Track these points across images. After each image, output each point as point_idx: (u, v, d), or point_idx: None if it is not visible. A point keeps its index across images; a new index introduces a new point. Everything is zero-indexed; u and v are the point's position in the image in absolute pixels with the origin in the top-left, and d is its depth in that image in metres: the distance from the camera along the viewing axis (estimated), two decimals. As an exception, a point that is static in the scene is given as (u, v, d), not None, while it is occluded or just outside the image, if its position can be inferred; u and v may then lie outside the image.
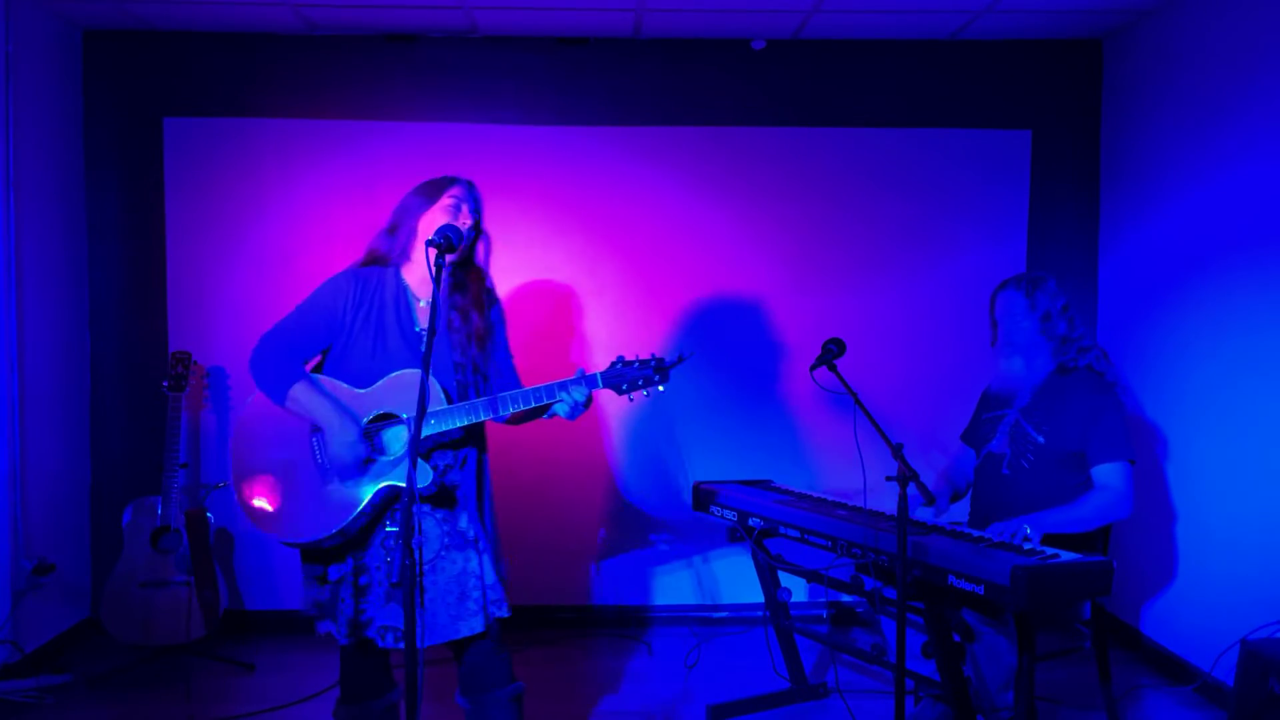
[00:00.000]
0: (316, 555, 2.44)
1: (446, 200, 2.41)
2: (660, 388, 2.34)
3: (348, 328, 2.41)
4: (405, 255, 2.46)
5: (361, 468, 2.34)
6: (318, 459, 2.38)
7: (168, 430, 3.66)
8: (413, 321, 2.45)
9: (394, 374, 2.37)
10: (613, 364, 2.38)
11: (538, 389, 2.36)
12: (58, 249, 3.88)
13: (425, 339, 2.11)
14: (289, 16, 3.84)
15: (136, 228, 4.08)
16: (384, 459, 2.37)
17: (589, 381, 2.36)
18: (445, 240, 2.24)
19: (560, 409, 2.39)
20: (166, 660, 3.70)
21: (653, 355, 2.37)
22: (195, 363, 3.94)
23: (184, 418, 3.82)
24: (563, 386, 2.35)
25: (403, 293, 2.46)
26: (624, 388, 2.34)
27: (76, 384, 4.02)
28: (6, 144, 3.51)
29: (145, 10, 3.79)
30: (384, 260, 2.47)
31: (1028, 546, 2.50)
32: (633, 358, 2.37)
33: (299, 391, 2.35)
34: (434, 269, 2.19)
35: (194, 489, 4.07)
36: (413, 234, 2.43)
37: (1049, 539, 2.66)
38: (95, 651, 3.83)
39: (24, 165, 3.61)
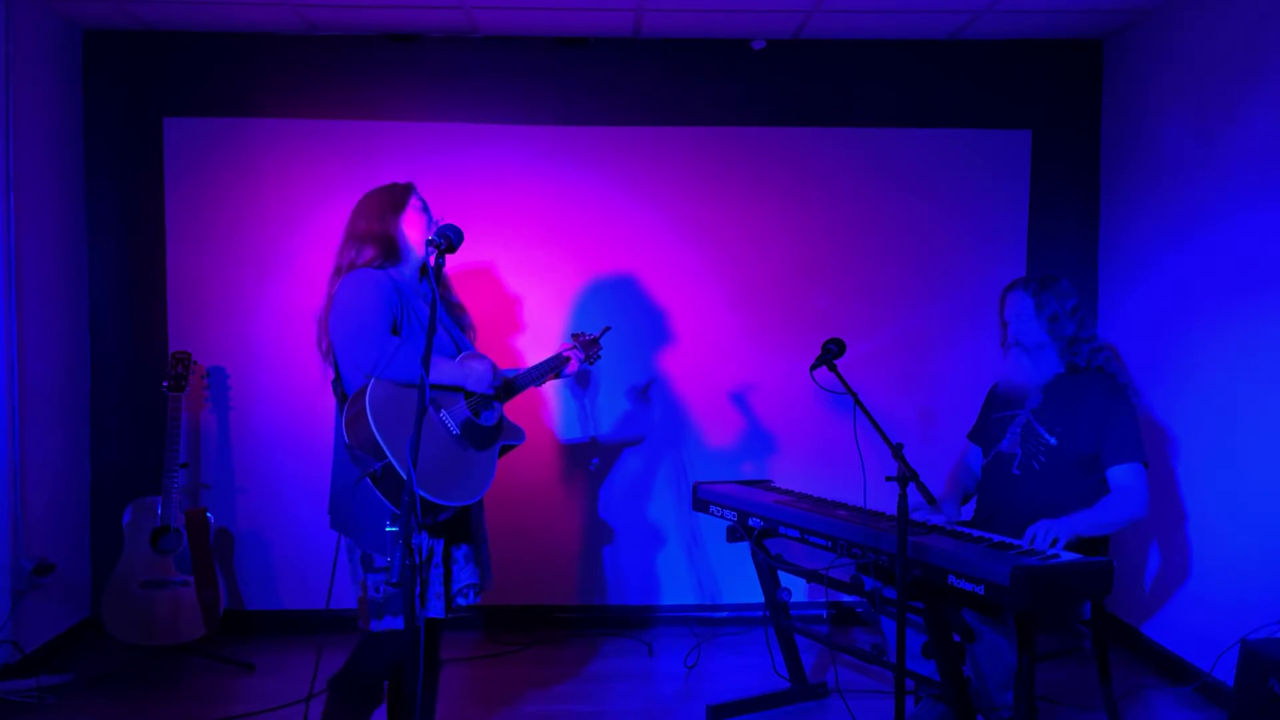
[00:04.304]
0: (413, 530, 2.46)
1: (415, 203, 2.59)
2: (600, 356, 3.03)
3: (400, 323, 2.49)
4: (398, 257, 2.56)
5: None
6: (452, 430, 2.47)
7: (168, 430, 3.66)
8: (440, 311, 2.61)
9: (464, 354, 2.56)
10: (575, 338, 2.98)
11: (550, 359, 2.87)
12: (58, 249, 3.88)
13: (432, 334, 2.18)
14: (289, 16, 3.84)
15: (136, 228, 4.08)
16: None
17: (573, 348, 2.93)
18: (445, 240, 2.33)
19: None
20: (166, 660, 3.70)
21: (589, 333, 3.03)
22: (195, 363, 3.94)
23: (184, 418, 3.82)
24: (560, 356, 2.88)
25: (413, 288, 2.58)
26: (592, 357, 2.97)
27: (76, 384, 4.01)
28: (6, 144, 3.51)
29: (145, 10, 3.79)
30: (381, 265, 2.53)
31: (1037, 547, 2.51)
32: (580, 331, 3.03)
33: (437, 365, 2.44)
34: (435, 268, 2.30)
35: (194, 489, 4.07)
36: (405, 239, 2.55)
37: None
38: (95, 651, 3.82)
39: (24, 165, 3.61)
